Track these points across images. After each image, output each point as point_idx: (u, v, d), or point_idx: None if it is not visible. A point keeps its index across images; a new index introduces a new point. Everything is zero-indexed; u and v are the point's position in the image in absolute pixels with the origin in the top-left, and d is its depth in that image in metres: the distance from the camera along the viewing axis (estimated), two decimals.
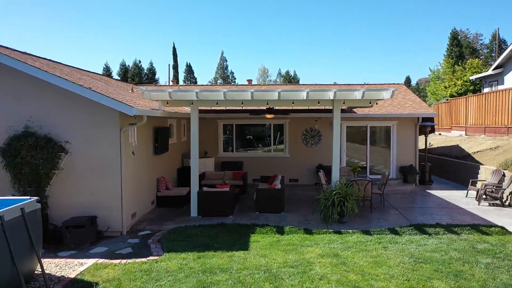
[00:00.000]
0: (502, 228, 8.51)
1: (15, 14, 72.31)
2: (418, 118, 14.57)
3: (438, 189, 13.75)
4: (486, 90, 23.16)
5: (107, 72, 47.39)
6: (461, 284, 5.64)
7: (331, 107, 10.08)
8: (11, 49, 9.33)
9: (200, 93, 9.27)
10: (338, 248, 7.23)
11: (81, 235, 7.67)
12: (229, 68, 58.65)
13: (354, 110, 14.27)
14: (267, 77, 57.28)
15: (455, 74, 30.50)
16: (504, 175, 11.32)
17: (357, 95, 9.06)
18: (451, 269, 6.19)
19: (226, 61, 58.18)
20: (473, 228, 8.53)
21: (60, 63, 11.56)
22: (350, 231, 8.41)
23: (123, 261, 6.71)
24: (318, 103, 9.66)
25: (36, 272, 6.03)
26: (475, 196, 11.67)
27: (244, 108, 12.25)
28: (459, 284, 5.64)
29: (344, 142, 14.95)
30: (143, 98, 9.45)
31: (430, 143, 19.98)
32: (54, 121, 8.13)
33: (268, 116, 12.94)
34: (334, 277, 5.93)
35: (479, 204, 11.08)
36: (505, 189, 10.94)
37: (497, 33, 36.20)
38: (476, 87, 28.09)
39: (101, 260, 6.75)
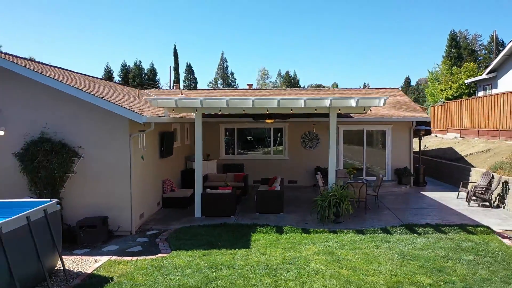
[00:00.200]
0: (488, 227, 9.06)
1: (17, 16, 72.90)
2: (412, 122, 15.12)
3: (431, 191, 14.29)
4: (480, 93, 23.68)
5: (108, 73, 47.87)
6: (443, 279, 6.22)
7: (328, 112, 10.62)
8: (27, 59, 9.92)
9: (204, 101, 9.83)
10: (333, 246, 7.80)
11: (93, 234, 8.25)
12: (229, 69, 59.30)
13: (351, 114, 14.82)
14: (267, 79, 57.89)
15: (451, 77, 30.98)
16: (493, 177, 11.89)
17: (352, 103, 9.60)
18: (436, 265, 6.76)
19: (227, 61, 58.80)
20: (460, 227, 9.09)
21: (70, 70, 12.12)
22: (345, 230, 8.97)
23: (134, 258, 7.28)
24: (315, 110, 10.20)
25: (56, 268, 6.61)
26: (465, 198, 12.23)
27: (245, 112, 12.76)
28: (441, 279, 6.22)
29: (341, 144, 15.50)
30: (151, 105, 9.99)
31: (425, 145, 20.56)
32: (68, 128, 8.70)
33: (269, 121, 13.49)
34: (328, 272, 6.50)
35: (468, 205, 11.65)
36: (493, 191, 11.51)
37: (494, 35, 36.70)
38: (471, 91, 28.60)
39: (114, 257, 7.32)
